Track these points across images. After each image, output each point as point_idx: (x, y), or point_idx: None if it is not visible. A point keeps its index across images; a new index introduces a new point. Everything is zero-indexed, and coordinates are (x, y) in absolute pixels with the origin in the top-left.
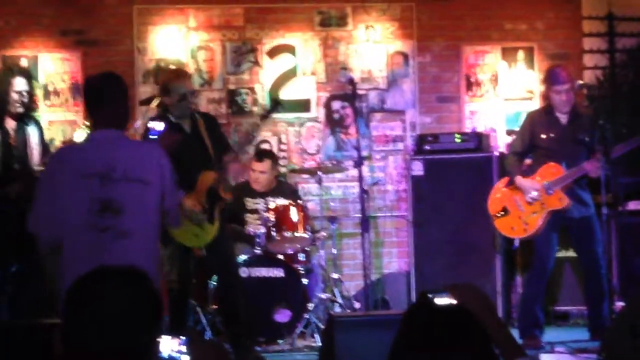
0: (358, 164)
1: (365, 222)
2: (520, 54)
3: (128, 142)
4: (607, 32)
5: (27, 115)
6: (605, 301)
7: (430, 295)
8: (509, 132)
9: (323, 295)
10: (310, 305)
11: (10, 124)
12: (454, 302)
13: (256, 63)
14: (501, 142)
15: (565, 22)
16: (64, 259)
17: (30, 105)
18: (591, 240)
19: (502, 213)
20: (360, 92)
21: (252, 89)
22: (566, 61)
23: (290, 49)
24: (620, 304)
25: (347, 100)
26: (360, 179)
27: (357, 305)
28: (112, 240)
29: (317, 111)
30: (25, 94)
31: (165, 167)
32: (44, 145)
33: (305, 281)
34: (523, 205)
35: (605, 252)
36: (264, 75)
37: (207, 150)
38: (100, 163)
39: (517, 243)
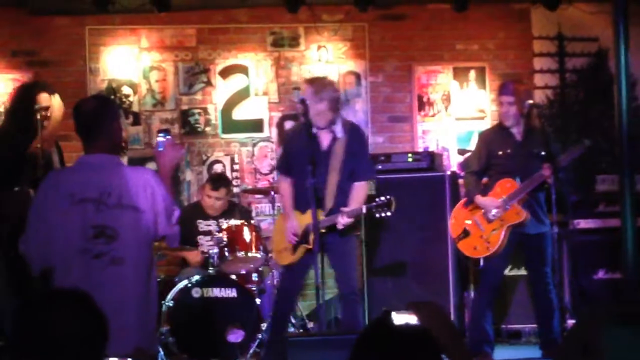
0: (311, 184)
1: (318, 242)
2: (472, 74)
3: (122, 168)
4: (557, 52)
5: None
6: (555, 317)
7: (393, 313)
8: (461, 152)
9: None
10: (264, 326)
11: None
12: (413, 319)
13: (209, 83)
14: (453, 162)
15: (515, 42)
16: (57, 284)
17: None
18: (542, 259)
19: (463, 235)
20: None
21: (204, 110)
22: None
23: (242, 69)
24: (571, 322)
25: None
26: (313, 198)
27: (310, 325)
28: (105, 267)
29: (270, 131)
30: (48, 110)
31: (158, 193)
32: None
33: (258, 301)
34: (483, 224)
35: (557, 269)
36: (217, 96)
37: (329, 176)
38: (95, 188)
39: (482, 262)
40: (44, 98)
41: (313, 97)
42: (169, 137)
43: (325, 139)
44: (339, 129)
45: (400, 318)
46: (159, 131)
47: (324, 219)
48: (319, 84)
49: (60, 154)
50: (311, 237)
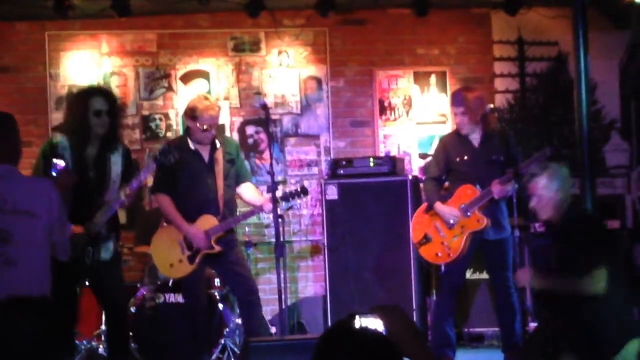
0: (272, 188)
1: (280, 247)
2: (433, 78)
3: (20, 177)
4: (517, 57)
5: (111, 142)
6: (517, 321)
7: (357, 317)
8: (422, 156)
9: (239, 320)
10: (226, 330)
11: (92, 152)
12: (378, 323)
13: (170, 88)
14: (415, 166)
15: (476, 47)
16: None
17: (113, 128)
18: (503, 264)
19: (425, 240)
20: (274, 116)
21: (166, 115)
22: (478, 85)
23: (203, 74)
24: (533, 325)
25: (261, 125)
26: (274, 203)
27: (272, 329)
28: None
29: (232, 136)
30: (104, 114)
31: (55, 202)
32: (127, 178)
33: (221, 306)
34: (444, 231)
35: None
36: (178, 101)
37: (217, 183)
38: None
39: (443, 267)
40: (97, 102)
41: (217, 120)
42: (62, 164)
43: (204, 152)
44: (216, 140)
45: (365, 321)
46: (54, 157)
47: (237, 215)
48: (216, 105)
49: (126, 161)
50: (212, 241)
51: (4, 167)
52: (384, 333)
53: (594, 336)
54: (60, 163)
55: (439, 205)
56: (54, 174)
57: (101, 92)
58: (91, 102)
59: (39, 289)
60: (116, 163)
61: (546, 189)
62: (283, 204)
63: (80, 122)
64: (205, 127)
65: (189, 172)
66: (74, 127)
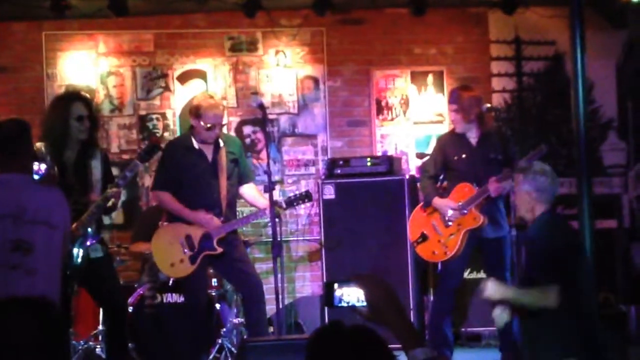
0: (269, 188)
1: (277, 247)
2: (430, 78)
3: (36, 186)
4: (514, 56)
5: (90, 146)
6: (514, 321)
7: (335, 285)
8: (419, 155)
9: (236, 320)
10: (224, 330)
11: (70, 157)
12: (359, 292)
13: (167, 88)
14: (412, 165)
15: (473, 46)
16: None
17: (92, 133)
18: (500, 263)
19: (421, 239)
20: (271, 116)
21: (163, 115)
22: (475, 84)
23: (200, 74)
24: None
25: (258, 125)
26: (272, 203)
27: (270, 329)
28: (20, 278)
29: None
30: (86, 119)
31: (67, 211)
32: (108, 181)
33: (218, 306)
34: (440, 229)
35: (515, 272)
36: (175, 101)
37: (220, 183)
38: (13, 204)
39: (440, 266)
40: (78, 107)
41: (222, 119)
42: (44, 167)
43: (208, 151)
44: (219, 139)
45: (346, 290)
46: (35, 160)
47: (245, 216)
48: (221, 103)
49: (105, 165)
50: (214, 242)
51: (21, 177)
52: (369, 311)
53: (534, 351)
54: (41, 167)
55: (437, 200)
56: (36, 177)
57: (82, 97)
58: (73, 107)
59: (56, 297)
60: (96, 168)
61: (518, 187)
62: (284, 204)
63: (60, 128)
64: (209, 125)
65: (193, 171)
66: (54, 132)
